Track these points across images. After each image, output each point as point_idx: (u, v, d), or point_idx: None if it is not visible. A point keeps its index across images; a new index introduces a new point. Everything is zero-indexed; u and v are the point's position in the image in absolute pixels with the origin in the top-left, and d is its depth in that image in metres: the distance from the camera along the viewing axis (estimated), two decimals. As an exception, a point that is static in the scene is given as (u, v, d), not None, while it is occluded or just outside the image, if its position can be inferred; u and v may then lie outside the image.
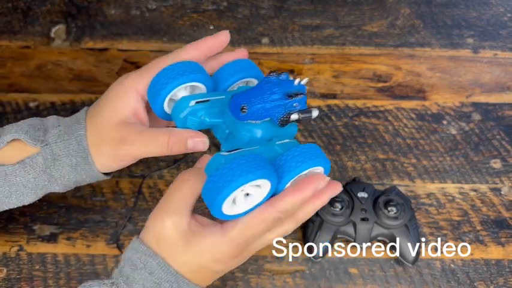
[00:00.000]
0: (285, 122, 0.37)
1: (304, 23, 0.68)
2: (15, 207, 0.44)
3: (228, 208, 0.35)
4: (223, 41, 0.43)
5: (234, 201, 0.35)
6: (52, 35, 0.65)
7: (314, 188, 0.37)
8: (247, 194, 0.36)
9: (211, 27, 0.67)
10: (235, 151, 0.37)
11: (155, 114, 0.42)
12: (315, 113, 0.37)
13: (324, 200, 0.38)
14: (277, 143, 0.39)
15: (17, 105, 0.59)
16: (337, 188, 0.38)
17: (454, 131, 0.59)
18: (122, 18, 0.67)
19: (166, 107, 0.40)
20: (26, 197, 0.43)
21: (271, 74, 0.37)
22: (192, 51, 0.42)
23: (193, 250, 0.37)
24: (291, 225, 0.39)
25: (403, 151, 0.58)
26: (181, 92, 0.40)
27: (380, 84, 0.63)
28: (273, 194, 0.37)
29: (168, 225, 0.37)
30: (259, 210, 0.37)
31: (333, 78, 0.63)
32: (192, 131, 0.40)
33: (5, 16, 0.67)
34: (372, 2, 0.70)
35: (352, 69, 0.64)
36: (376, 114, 0.60)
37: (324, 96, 0.62)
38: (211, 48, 0.43)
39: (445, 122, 0.60)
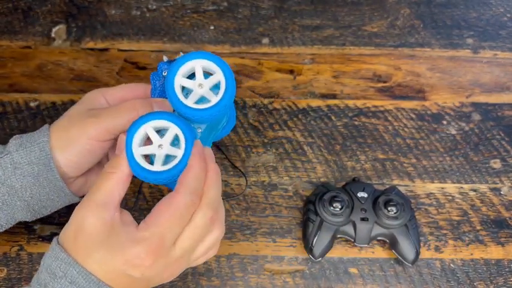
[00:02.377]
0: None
1: (304, 23, 0.68)
2: None
3: (143, 161, 0.38)
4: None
5: (150, 155, 0.39)
6: (53, 35, 0.65)
7: (198, 152, 0.37)
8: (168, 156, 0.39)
9: (212, 28, 0.67)
10: None
11: None
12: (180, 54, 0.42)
13: (212, 167, 0.38)
14: None
15: (18, 105, 0.60)
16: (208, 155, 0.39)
17: (453, 131, 0.59)
18: (123, 19, 0.67)
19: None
20: None
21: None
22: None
23: (107, 247, 0.35)
24: (218, 228, 0.39)
25: (403, 151, 0.58)
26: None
27: (380, 85, 0.63)
28: None
29: (89, 218, 0.36)
30: (166, 202, 0.36)
31: (333, 79, 0.63)
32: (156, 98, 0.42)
33: (6, 16, 0.67)
34: (372, 3, 0.70)
35: (352, 70, 0.64)
36: (376, 114, 0.60)
37: (324, 96, 0.62)
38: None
39: (444, 122, 0.60)
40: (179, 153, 0.38)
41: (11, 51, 0.64)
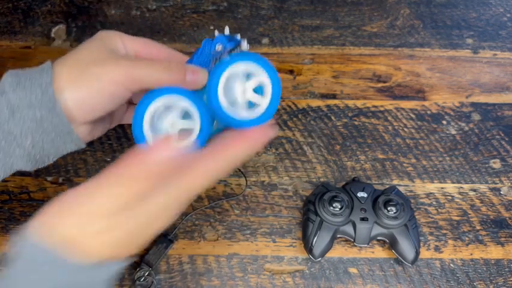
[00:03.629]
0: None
1: (304, 23, 0.68)
2: None
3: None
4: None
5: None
6: (52, 35, 0.65)
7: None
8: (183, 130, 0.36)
9: (212, 28, 0.67)
10: None
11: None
12: (244, 43, 0.39)
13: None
14: None
15: (18, 105, 0.60)
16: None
17: (453, 131, 0.59)
18: (122, 19, 0.67)
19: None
20: None
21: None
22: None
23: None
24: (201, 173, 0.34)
25: (403, 151, 0.58)
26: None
27: (380, 85, 0.63)
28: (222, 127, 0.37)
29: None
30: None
31: (333, 79, 0.63)
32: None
33: (6, 16, 0.67)
34: (372, 3, 0.70)
35: (352, 70, 0.64)
36: (375, 114, 0.60)
37: (324, 96, 0.62)
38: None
39: (444, 122, 0.60)
40: (191, 124, 0.36)
41: (11, 51, 0.64)
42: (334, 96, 0.62)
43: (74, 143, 0.39)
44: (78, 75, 0.36)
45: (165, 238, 0.50)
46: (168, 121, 0.37)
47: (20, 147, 0.37)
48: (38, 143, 0.37)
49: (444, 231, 0.53)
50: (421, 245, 0.52)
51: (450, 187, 0.55)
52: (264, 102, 0.36)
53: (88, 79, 0.36)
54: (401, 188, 0.55)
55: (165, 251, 0.49)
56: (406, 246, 0.49)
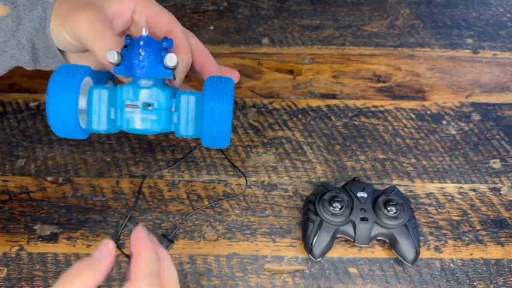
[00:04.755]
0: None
1: (304, 23, 0.68)
2: None
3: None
4: None
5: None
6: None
7: (140, 237, 0.35)
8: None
9: (212, 28, 0.67)
10: None
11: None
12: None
13: (162, 253, 0.36)
14: None
15: (18, 105, 0.60)
16: None
17: (453, 131, 0.59)
18: (122, 19, 0.67)
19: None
20: None
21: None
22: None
23: None
24: None
25: (403, 151, 0.58)
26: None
27: (380, 85, 0.63)
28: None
29: None
30: None
31: (333, 79, 0.63)
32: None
33: (6, 16, 0.67)
34: (372, 3, 0.70)
35: (352, 70, 0.64)
36: (375, 115, 0.60)
37: (324, 96, 0.62)
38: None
39: (444, 122, 0.60)
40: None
41: None
42: (334, 96, 0.62)
43: (61, 62, 0.44)
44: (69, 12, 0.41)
45: (165, 238, 0.50)
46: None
47: (28, 55, 0.43)
48: (37, 51, 0.43)
49: (444, 231, 0.53)
50: (421, 245, 0.52)
51: (450, 187, 0.55)
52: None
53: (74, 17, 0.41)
54: (401, 188, 0.55)
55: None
56: (406, 246, 0.49)
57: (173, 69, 0.37)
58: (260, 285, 0.49)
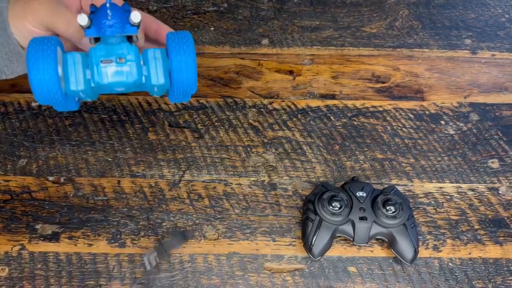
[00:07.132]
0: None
1: (304, 24, 0.68)
2: None
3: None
4: None
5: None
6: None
7: None
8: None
9: (212, 28, 0.67)
10: None
11: None
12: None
13: None
14: None
15: (19, 105, 0.60)
16: None
17: (452, 131, 0.60)
18: (123, 20, 0.67)
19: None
20: None
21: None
22: None
23: None
24: None
25: (402, 151, 0.58)
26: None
27: (379, 85, 0.63)
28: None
29: None
30: None
31: (332, 79, 0.64)
32: None
33: (7, 17, 0.67)
34: (371, 4, 0.71)
35: (351, 70, 0.64)
36: (374, 115, 0.61)
37: (323, 96, 0.62)
38: None
39: (443, 122, 0.60)
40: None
41: (12, 52, 0.64)
42: (333, 97, 0.62)
43: (21, 67, 0.47)
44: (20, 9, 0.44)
45: (181, 234, 0.52)
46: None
47: None
48: None
49: (443, 231, 0.53)
50: (420, 244, 0.52)
51: (449, 187, 0.56)
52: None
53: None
54: (400, 188, 0.55)
55: (178, 245, 0.51)
56: (404, 246, 0.50)
57: (138, 25, 0.41)
58: (260, 284, 0.49)
